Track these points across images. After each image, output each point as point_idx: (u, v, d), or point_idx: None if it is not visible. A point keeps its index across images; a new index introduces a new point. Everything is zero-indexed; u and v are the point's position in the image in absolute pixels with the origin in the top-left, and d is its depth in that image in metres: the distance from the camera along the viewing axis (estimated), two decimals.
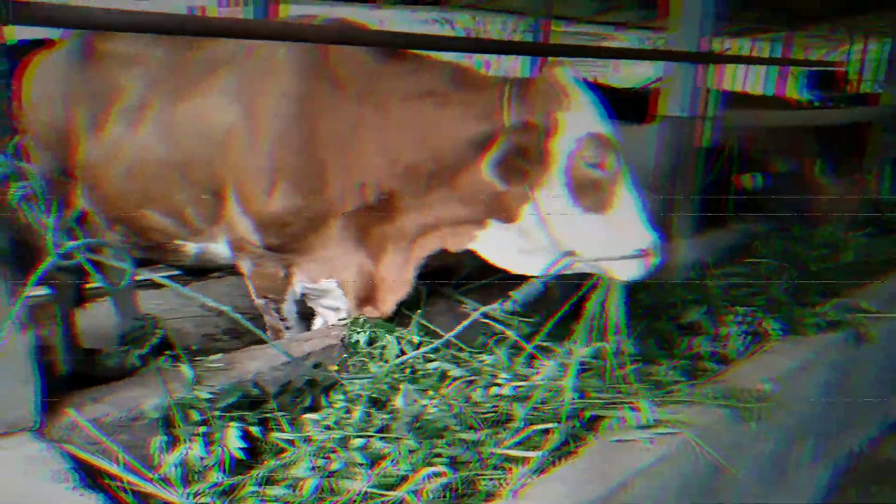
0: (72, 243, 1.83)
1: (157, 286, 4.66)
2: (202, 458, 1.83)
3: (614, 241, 2.31)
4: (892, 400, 3.84)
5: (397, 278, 2.58)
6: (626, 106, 5.01)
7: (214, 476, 1.83)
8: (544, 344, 2.49)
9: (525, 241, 2.44)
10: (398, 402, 2.12)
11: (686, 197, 3.89)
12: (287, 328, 2.88)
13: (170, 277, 4.74)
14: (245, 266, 2.80)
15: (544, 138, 2.26)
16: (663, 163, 3.85)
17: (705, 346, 2.75)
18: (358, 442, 1.92)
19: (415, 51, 2.59)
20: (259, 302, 2.86)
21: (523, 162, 2.26)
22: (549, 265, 2.39)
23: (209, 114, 2.62)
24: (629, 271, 2.34)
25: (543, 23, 9.11)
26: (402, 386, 2.17)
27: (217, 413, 1.95)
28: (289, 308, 2.84)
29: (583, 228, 2.33)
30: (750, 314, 2.98)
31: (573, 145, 2.25)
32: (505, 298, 2.67)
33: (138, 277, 2.05)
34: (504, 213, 2.41)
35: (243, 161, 2.55)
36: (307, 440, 1.96)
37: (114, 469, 1.75)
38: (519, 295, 2.68)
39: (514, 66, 14.42)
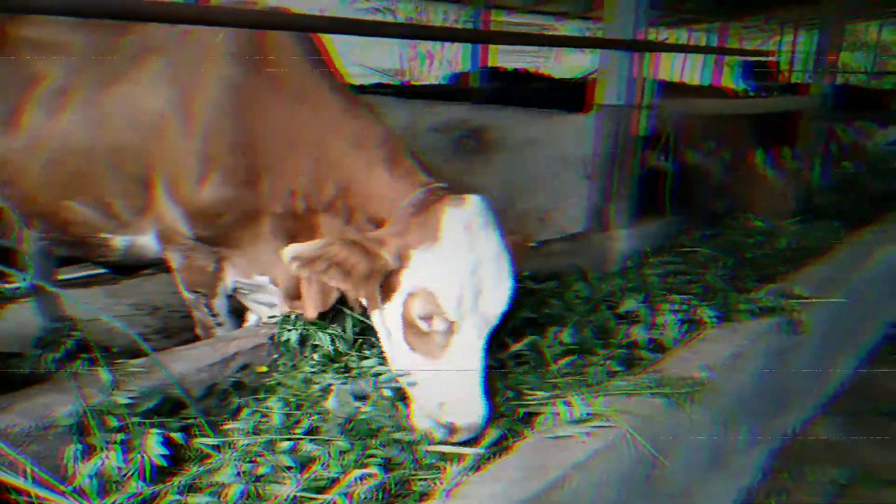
0: None
1: (84, 285, 4.49)
2: (119, 468, 1.72)
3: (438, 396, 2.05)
4: (823, 381, 3.94)
5: (320, 290, 2.46)
6: (565, 95, 5.04)
7: (134, 486, 1.73)
8: None
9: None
10: (329, 402, 2.05)
11: (623, 185, 3.91)
12: (218, 324, 2.79)
13: (96, 276, 4.59)
14: (174, 259, 2.69)
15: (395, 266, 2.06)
16: (600, 152, 3.86)
17: (642, 334, 2.75)
18: (285, 445, 1.85)
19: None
20: (189, 296, 2.75)
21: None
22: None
23: (140, 100, 2.53)
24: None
25: (484, 12, 9.10)
26: (334, 386, 2.10)
27: (136, 419, 1.85)
28: (220, 303, 2.75)
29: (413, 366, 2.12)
30: (686, 302, 3.01)
31: (410, 288, 2.05)
32: None
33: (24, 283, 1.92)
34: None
35: (175, 149, 2.46)
36: (232, 445, 1.87)
37: (21, 483, 1.63)
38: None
39: (457, 55, 14.41)
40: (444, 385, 2.03)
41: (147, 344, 1.98)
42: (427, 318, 2.02)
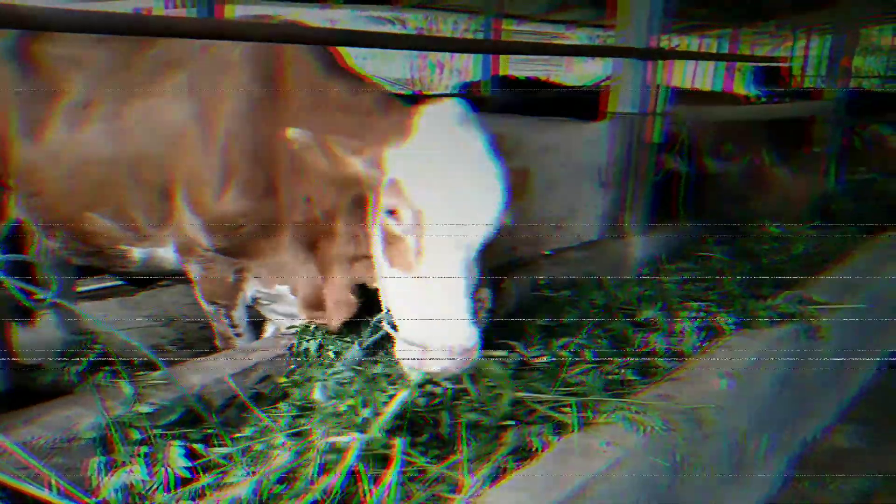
0: None
1: (101, 297, 4.52)
2: (144, 481, 1.73)
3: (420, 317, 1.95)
4: (843, 388, 3.91)
5: (341, 298, 2.46)
6: (578, 104, 5.04)
7: (159, 498, 1.74)
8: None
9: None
10: (316, 393, 2.04)
11: (638, 192, 3.90)
12: (237, 335, 2.80)
13: (114, 287, 4.62)
14: (194, 271, 2.71)
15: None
16: (615, 159, 3.86)
17: (660, 342, 2.74)
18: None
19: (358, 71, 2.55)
20: (209, 308, 2.77)
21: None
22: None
23: (162, 113, 2.57)
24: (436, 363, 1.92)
25: (495, 22, 9.14)
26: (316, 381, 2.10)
27: (158, 431, 1.86)
28: (239, 314, 2.76)
29: (396, 289, 2.05)
30: (704, 309, 2.99)
31: (385, 188, 2.01)
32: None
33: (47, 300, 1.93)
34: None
35: (195, 160, 2.49)
36: (246, 451, 1.87)
37: (46, 496, 1.64)
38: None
39: (467, 64, 14.44)
40: (420, 301, 1.94)
41: (163, 355, 2.00)
42: (394, 212, 1.95)
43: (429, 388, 2.18)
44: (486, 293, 2.22)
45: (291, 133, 2.08)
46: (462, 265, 1.95)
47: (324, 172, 2.14)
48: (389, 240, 2.03)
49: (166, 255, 2.79)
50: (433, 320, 1.91)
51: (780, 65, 13.40)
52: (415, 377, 2.00)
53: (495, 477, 1.81)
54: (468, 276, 1.97)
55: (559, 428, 2.05)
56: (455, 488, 1.77)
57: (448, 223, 1.91)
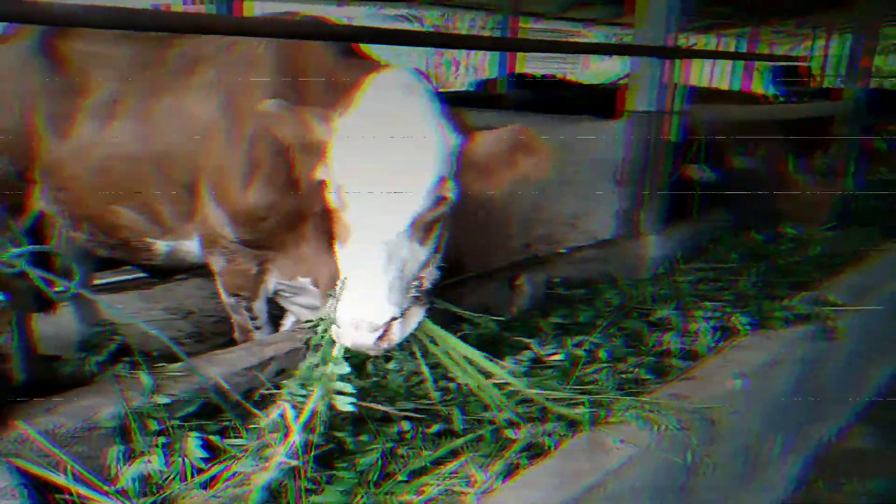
0: (14, 251, 1.75)
1: (118, 290, 4.57)
2: (161, 472, 1.76)
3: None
4: (859, 389, 3.88)
5: None
6: (595, 102, 5.03)
7: (176, 487, 1.76)
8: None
9: None
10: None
11: (654, 191, 3.89)
12: (257, 328, 2.83)
13: (129, 280, 4.67)
14: (217, 263, 2.74)
15: None
16: (632, 158, 3.85)
17: (675, 342, 2.74)
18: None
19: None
20: (229, 300, 2.80)
21: None
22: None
23: (188, 108, 2.60)
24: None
25: (512, 19, 9.11)
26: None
27: (176, 422, 1.89)
28: (260, 307, 2.79)
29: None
30: (719, 309, 2.99)
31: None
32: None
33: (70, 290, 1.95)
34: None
35: (222, 154, 2.52)
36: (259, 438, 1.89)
37: (67, 483, 1.68)
38: None
39: (483, 61, 14.43)
40: (344, 273, 1.96)
41: (180, 348, 2.02)
42: (323, 183, 1.97)
43: (442, 383, 2.20)
44: (430, 270, 2.13)
45: (264, 106, 2.08)
46: (384, 239, 1.91)
47: (301, 146, 2.13)
48: (331, 213, 2.03)
49: (190, 248, 2.83)
50: (344, 295, 1.91)
51: (800, 64, 13.29)
52: (336, 352, 2.00)
53: (508, 473, 1.82)
54: (394, 250, 1.91)
55: (572, 426, 2.06)
56: (469, 483, 1.78)
57: (371, 196, 1.90)
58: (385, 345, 1.93)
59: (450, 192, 1.99)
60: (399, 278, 1.92)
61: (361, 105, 1.98)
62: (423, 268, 2.05)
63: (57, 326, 3.38)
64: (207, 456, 1.82)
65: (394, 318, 1.91)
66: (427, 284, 2.08)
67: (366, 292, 1.88)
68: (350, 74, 2.20)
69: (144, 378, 2.00)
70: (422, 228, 1.98)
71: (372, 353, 1.98)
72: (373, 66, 2.27)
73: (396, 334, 1.95)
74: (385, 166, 1.90)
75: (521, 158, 2.04)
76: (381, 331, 1.89)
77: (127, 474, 1.76)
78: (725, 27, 13.20)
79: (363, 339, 1.89)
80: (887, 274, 3.90)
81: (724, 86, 15.50)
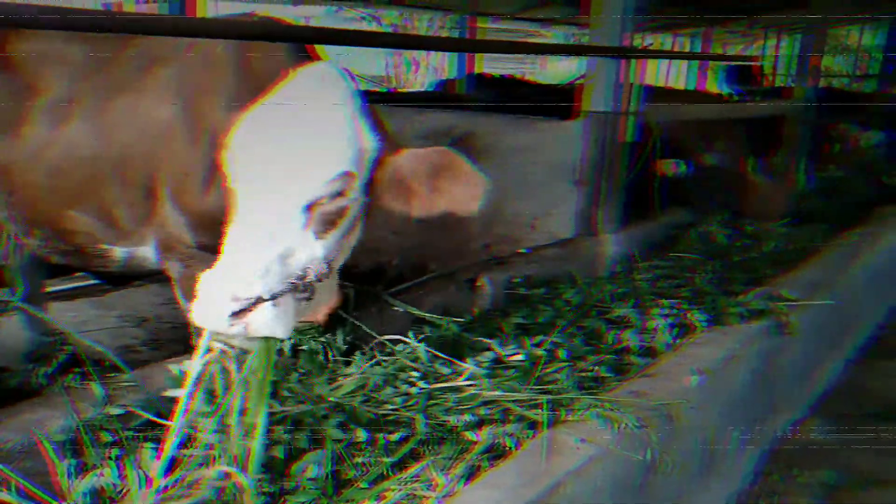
0: None
1: (72, 298, 4.45)
2: (115, 485, 1.71)
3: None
4: (812, 383, 3.97)
5: (330, 291, 2.43)
6: (551, 102, 5.06)
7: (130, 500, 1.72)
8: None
9: None
10: None
11: (611, 191, 3.93)
12: None
13: (88, 287, 4.55)
14: (174, 269, 2.68)
15: None
16: (589, 158, 3.88)
17: (634, 339, 2.77)
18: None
19: None
20: (188, 307, 2.74)
21: None
22: None
23: (146, 110, 2.53)
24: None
25: (470, 19, 9.13)
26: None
27: (130, 433, 1.84)
28: None
29: None
30: (676, 306, 3.03)
31: None
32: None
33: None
34: None
35: (181, 156, 2.46)
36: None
37: (13, 500, 1.62)
38: None
39: (443, 61, 14.44)
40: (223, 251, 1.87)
41: (136, 356, 1.97)
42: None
43: (403, 388, 2.19)
44: (318, 263, 1.98)
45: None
46: (267, 219, 1.86)
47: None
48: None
49: (147, 254, 2.76)
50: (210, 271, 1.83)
51: (752, 63, 13.56)
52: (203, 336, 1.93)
53: (469, 476, 1.82)
54: (277, 233, 1.85)
55: (534, 426, 2.06)
56: (430, 486, 1.77)
57: (262, 177, 1.87)
58: (242, 327, 1.79)
59: (354, 191, 1.96)
60: (279, 264, 1.84)
61: (273, 94, 1.97)
62: (315, 262, 1.95)
63: (2, 338, 3.28)
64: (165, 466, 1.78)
65: (260, 300, 1.78)
66: (312, 277, 1.95)
67: (234, 266, 1.80)
68: (286, 70, 2.16)
69: (96, 389, 1.95)
70: (319, 221, 1.93)
71: (231, 335, 1.83)
72: (307, 62, 2.23)
73: (261, 320, 1.81)
74: (282, 151, 1.87)
75: (446, 184, 1.99)
76: (240, 305, 1.76)
77: (78, 489, 1.71)
78: (680, 27, 13.40)
79: (218, 311, 1.77)
80: (838, 268, 4.00)
81: (680, 85, 15.74)
